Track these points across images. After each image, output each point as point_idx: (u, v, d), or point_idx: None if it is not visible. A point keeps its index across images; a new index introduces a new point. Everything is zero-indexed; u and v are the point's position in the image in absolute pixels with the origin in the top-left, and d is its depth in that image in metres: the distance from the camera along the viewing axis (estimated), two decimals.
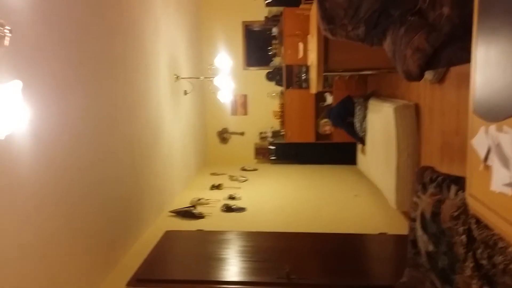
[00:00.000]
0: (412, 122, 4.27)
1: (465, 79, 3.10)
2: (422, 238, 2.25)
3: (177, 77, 5.57)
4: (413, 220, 2.46)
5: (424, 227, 2.21)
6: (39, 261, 2.44)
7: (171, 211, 4.89)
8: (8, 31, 1.11)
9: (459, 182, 2.11)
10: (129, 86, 3.96)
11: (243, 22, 7.47)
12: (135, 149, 4.12)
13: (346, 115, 5.96)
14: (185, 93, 6.01)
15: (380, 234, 4.15)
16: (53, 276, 2.59)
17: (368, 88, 6.77)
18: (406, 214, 4.50)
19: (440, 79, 3.58)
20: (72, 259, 2.84)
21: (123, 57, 3.83)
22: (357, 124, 5.79)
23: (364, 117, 5.71)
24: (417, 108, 4.28)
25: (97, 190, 3.25)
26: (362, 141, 5.78)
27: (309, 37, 4.86)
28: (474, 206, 1.62)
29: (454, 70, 3.34)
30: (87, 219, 3.07)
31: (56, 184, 2.67)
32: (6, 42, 1.13)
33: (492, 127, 1.45)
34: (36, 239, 2.42)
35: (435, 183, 2.24)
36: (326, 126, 6.45)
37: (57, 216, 2.67)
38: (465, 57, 2.09)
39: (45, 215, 2.53)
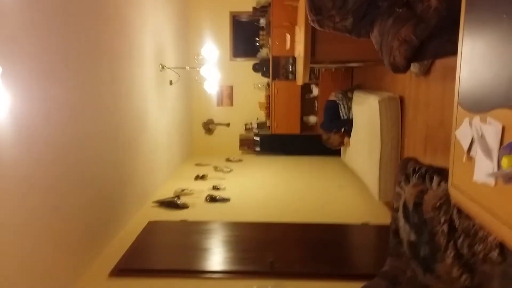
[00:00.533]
0: (397, 114, 4.31)
1: (451, 72, 3.14)
2: (404, 228, 2.29)
3: (163, 67, 5.52)
4: (395, 210, 2.49)
5: (407, 217, 2.25)
6: (20, 252, 2.41)
7: (155, 202, 4.86)
8: None
9: (442, 173, 2.14)
10: (113, 75, 3.91)
11: (231, 12, 7.41)
12: (119, 139, 4.07)
13: (337, 116, 5.97)
14: (171, 83, 5.95)
15: (363, 224, 4.21)
16: (35, 266, 2.55)
17: (354, 80, 6.81)
18: (388, 205, 4.56)
19: (426, 72, 3.62)
20: (54, 249, 2.80)
21: (107, 45, 3.77)
22: (342, 111, 5.85)
23: (349, 109, 5.77)
24: (402, 101, 4.32)
25: (79, 180, 3.20)
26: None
27: (296, 28, 4.84)
28: (457, 197, 1.65)
29: (440, 63, 3.38)
30: (69, 210, 3.03)
31: (37, 174, 2.62)
32: None
33: (476, 119, 1.48)
34: (16, 230, 2.37)
35: (418, 174, 2.28)
36: (336, 136, 5.95)
37: (38, 206, 2.62)
38: (451, 50, 2.11)
39: (26, 205, 2.49)
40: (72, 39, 3.10)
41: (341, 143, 5.97)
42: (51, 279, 2.78)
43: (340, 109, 5.89)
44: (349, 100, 5.76)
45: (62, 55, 2.96)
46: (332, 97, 6.01)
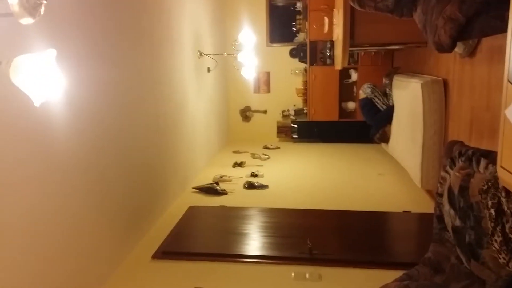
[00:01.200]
0: (440, 98, 4.16)
1: (498, 53, 2.99)
2: (448, 213, 2.22)
3: (201, 54, 5.56)
4: (439, 195, 2.42)
5: (452, 202, 2.17)
6: (66, 232, 2.50)
7: (195, 187, 4.94)
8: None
9: (489, 156, 2.06)
10: (154, 61, 3.98)
11: None
12: (160, 124, 4.16)
13: (375, 111, 5.84)
14: (209, 70, 6.00)
15: (404, 212, 4.12)
16: (79, 248, 2.65)
17: (395, 64, 6.62)
18: (430, 192, 4.44)
19: (471, 53, 3.47)
20: (99, 232, 2.91)
21: (149, 32, 3.84)
22: (378, 104, 5.70)
23: (385, 98, 5.64)
24: (445, 84, 4.17)
25: (125, 165, 3.30)
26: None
27: (335, 11, 4.75)
28: (505, 179, 1.58)
29: (486, 43, 3.23)
30: (114, 193, 3.13)
31: (85, 155, 2.72)
32: (42, 10, 1.13)
33: None
34: (63, 210, 2.47)
35: (464, 157, 2.19)
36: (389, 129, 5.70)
37: (85, 188, 2.73)
38: (499, 26, 2.01)
39: (73, 186, 2.59)
40: (115, 26, 3.18)
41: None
42: (98, 259, 2.89)
43: (375, 103, 5.75)
44: (379, 91, 5.65)
45: (109, 40, 3.06)
46: (362, 95, 5.88)
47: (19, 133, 2.09)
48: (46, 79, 1.18)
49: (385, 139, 5.74)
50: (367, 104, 5.85)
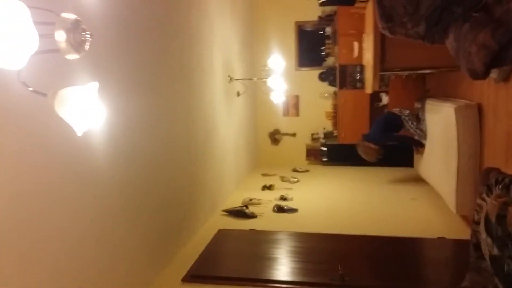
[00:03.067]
0: (475, 122, 4.07)
1: None
2: (486, 242, 2.15)
3: (231, 79, 5.66)
4: (476, 223, 2.35)
5: (489, 230, 2.11)
6: (96, 254, 2.56)
7: (224, 210, 4.97)
8: (89, 36, 1.18)
9: None
10: (186, 88, 4.08)
11: (296, 22, 7.46)
12: (191, 149, 4.23)
13: (392, 129, 5.70)
14: (238, 94, 6.09)
15: (439, 238, 4.00)
16: (109, 269, 2.70)
17: (427, 88, 6.54)
18: (466, 218, 4.31)
19: (506, 78, 3.40)
20: (129, 254, 2.95)
21: (180, 59, 3.95)
22: (412, 129, 5.58)
23: (419, 119, 5.54)
24: (480, 108, 4.08)
25: (155, 187, 3.37)
26: (419, 143, 5.58)
27: (364, 36, 4.78)
28: None
29: None
30: (146, 216, 3.19)
31: (121, 179, 2.80)
32: (87, 46, 1.20)
33: None
34: (95, 231, 2.53)
35: (501, 185, 2.14)
36: (370, 150, 5.68)
37: (118, 211, 2.80)
38: None
39: (106, 208, 2.66)
40: (151, 55, 3.31)
41: (376, 156, 5.69)
42: (128, 282, 2.93)
43: (408, 125, 5.58)
44: (422, 110, 5.51)
45: (144, 70, 3.18)
46: (396, 110, 5.74)
47: (60, 158, 2.19)
48: (89, 110, 1.25)
49: (367, 154, 5.66)
50: (391, 120, 5.70)
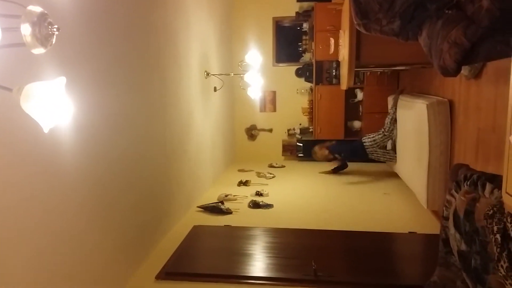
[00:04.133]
0: (446, 119, 4.16)
1: (503, 75, 3.01)
2: (454, 237, 2.21)
3: (208, 74, 5.62)
4: (445, 218, 2.41)
5: (457, 226, 2.16)
6: (70, 252, 2.51)
7: (199, 206, 4.94)
8: (56, 29, 1.14)
9: (495, 180, 2.05)
10: (162, 84, 4.03)
11: (274, 18, 7.45)
12: (167, 145, 4.19)
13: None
14: (215, 89, 6.05)
15: (410, 233, 4.08)
16: (83, 268, 2.65)
17: (400, 84, 6.65)
18: (436, 213, 4.41)
19: (477, 75, 3.48)
20: (102, 252, 2.90)
21: (157, 55, 3.90)
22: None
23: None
24: (451, 105, 4.18)
25: (129, 184, 3.32)
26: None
27: (340, 32, 4.81)
28: (511, 204, 1.57)
29: (492, 65, 3.24)
30: (119, 213, 3.14)
31: (92, 177, 2.74)
32: (53, 40, 1.17)
33: None
34: (68, 231, 2.48)
35: (470, 181, 2.19)
36: (320, 150, 6.46)
37: (90, 209, 2.74)
38: (504, 52, 2.03)
39: (80, 207, 2.61)
40: (125, 50, 3.24)
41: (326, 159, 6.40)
42: (100, 281, 2.88)
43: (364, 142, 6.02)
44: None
45: (117, 65, 3.11)
46: (367, 140, 6.01)
47: (27, 155, 2.13)
48: (56, 106, 1.21)
49: (315, 155, 6.45)
50: (357, 147, 6.10)
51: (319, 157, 6.43)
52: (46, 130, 1.23)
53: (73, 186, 2.52)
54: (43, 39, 1.10)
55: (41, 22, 1.11)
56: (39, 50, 1.13)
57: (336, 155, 6.31)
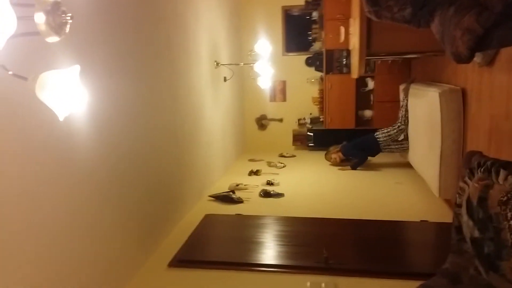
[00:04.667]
0: (459, 107, 4.12)
1: None
2: (467, 224, 2.20)
3: (217, 64, 5.62)
4: (458, 205, 2.40)
5: (470, 213, 2.15)
6: (82, 240, 2.54)
7: (211, 196, 4.97)
8: (69, 18, 1.15)
9: (509, 167, 2.04)
10: (172, 73, 4.04)
11: (283, 6, 7.41)
12: (178, 134, 4.21)
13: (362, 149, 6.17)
14: (225, 79, 6.05)
15: (422, 221, 4.07)
16: (96, 257, 2.69)
17: (412, 73, 6.58)
18: (449, 202, 4.39)
19: (489, 62, 3.43)
20: (115, 240, 2.94)
21: (167, 45, 3.91)
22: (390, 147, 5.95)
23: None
24: (464, 93, 4.13)
25: (141, 173, 3.35)
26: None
27: (351, 20, 4.77)
28: None
29: (505, 52, 3.19)
30: (132, 202, 3.18)
31: (105, 165, 2.78)
32: (67, 28, 1.18)
33: None
34: (80, 218, 2.52)
35: (483, 168, 2.17)
36: (334, 154, 6.35)
37: (106, 198, 2.78)
38: None
39: (95, 196, 2.65)
40: (135, 39, 3.25)
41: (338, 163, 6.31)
42: (114, 268, 2.93)
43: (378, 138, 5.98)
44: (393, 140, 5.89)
45: (129, 55, 3.14)
46: (381, 135, 5.98)
47: (42, 143, 2.16)
48: (70, 94, 1.23)
49: (329, 158, 6.41)
50: (370, 141, 6.08)
51: (334, 163, 6.35)
52: (61, 118, 1.24)
53: (86, 174, 2.55)
54: (57, 27, 1.12)
55: (54, 11, 1.12)
56: (53, 39, 1.14)
57: (351, 158, 6.26)
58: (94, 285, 2.67)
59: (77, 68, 1.24)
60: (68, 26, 1.14)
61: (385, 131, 5.90)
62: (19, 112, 1.96)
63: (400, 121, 5.76)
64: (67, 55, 2.11)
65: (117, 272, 2.97)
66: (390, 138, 5.85)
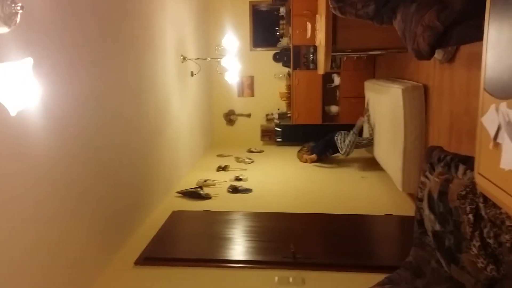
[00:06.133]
0: (421, 103, 4.22)
1: (476, 59, 3.05)
2: (428, 218, 2.25)
3: (184, 58, 5.54)
4: (420, 200, 2.45)
5: (431, 207, 2.21)
6: (44, 239, 2.47)
7: (178, 192, 4.92)
8: (19, 8, 1.10)
9: (468, 161, 2.10)
10: (137, 68, 3.95)
11: (250, 2, 7.38)
12: (144, 130, 4.13)
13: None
14: (192, 74, 5.98)
15: (386, 215, 4.16)
16: (61, 254, 2.62)
17: (376, 69, 6.70)
18: (412, 196, 4.50)
19: (450, 59, 3.53)
20: (79, 239, 2.87)
21: (131, 38, 3.81)
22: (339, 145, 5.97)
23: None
24: (425, 89, 4.23)
25: (105, 170, 3.26)
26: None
27: (317, 16, 4.79)
28: (483, 185, 1.61)
29: (464, 49, 3.29)
30: (96, 199, 3.10)
31: (65, 162, 2.68)
32: (18, 19, 1.12)
33: (503, 105, 1.43)
34: (43, 217, 2.44)
35: (443, 163, 2.23)
36: (305, 155, 6.34)
37: (66, 195, 2.69)
38: (477, 35, 2.05)
39: (54, 193, 2.56)
40: (98, 32, 3.15)
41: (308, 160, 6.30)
42: (78, 267, 2.85)
43: (336, 140, 6.01)
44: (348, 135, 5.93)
45: (89, 48, 3.02)
46: (343, 145, 5.98)
47: None
48: (22, 88, 1.17)
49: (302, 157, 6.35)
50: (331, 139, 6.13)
51: (309, 161, 6.32)
52: (13, 113, 1.18)
53: (44, 171, 2.46)
54: (6, 18, 1.06)
55: (3, 0, 1.07)
56: (2, 30, 1.08)
57: (327, 153, 6.29)
58: (58, 285, 2.58)
59: (29, 60, 1.18)
60: (19, 16, 1.09)
61: (345, 140, 5.90)
62: None
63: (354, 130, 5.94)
64: (18, 47, 2.00)
65: (82, 271, 2.89)
66: (353, 145, 5.88)
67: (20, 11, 1.08)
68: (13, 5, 1.06)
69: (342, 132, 6.01)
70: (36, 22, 2.35)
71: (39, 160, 2.42)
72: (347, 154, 5.92)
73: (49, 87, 2.40)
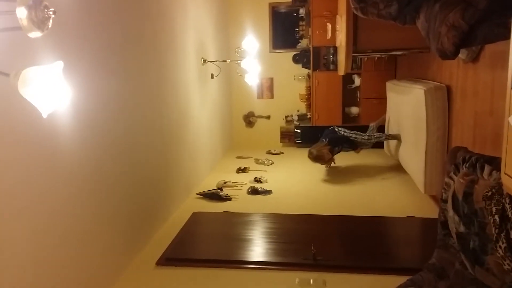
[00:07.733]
0: (443, 104, 4.16)
1: (501, 58, 3.00)
2: (453, 219, 2.22)
3: (205, 61, 5.59)
4: (444, 201, 2.42)
5: (456, 208, 2.18)
6: (67, 238, 2.51)
7: (198, 193, 4.95)
8: (52, 13, 1.13)
9: (493, 162, 2.06)
10: (159, 70, 4.01)
11: (270, 3, 7.39)
12: (165, 132, 4.18)
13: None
14: (212, 76, 6.02)
15: (408, 217, 4.11)
16: (84, 253, 2.67)
17: (398, 69, 6.63)
18: (434, 198, 4.43)
19: (474, 58, 3.47)
20: (102, 239, 2.92)
21: (153, 41, 3.87)
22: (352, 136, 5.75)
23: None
24: (448, 89, 4.17)
25: (127, 171, 3.32)
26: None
27: (337, 17, 4.78)
28: (509, 185, 1.58)
29: (489, 49, 3.23)
30: (119, 200, 3.15)
31: (90, 163, 2.74)
32: (50, 23, 1.15)
33: None
34: (64, 216, 2.49)
35: (468, 164, 2.20)
36: (324, 150, 5.66)
37: (91, 196, 2.75)
38: (502, 34, 2.02)
39: (77, 193, 2.61)
40: (120, 36, 3.22)
41: (329, 160, 5.72)
42: (102, 266, 2.90)
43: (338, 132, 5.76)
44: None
45: (115, 51, 3.10)
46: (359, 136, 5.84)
47: (25, 140, 2.12)
48: (54, 91, 1.20)
49: (320, 157, 5.62)
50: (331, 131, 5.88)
51: (325, 159, 5.73)
52: (44, 115, 1.22)
53: (70, 172, 2.52)
54: (39, 22, 1.09)
55: (37, 5, 1.10)
56: (35, 34, 1.12)
57: (337, 148, 5.82)
58: (81, 285, 2.63)
59: (60, 64, 1.22)
60: (51, 21, 1.12)
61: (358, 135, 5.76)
62: (1, 109, 1.92)
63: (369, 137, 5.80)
64: (50, 51, 2.06)
65: (104, 271, 2.94)
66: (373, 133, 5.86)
67: (53, 16, 1.11)
68: (46, 10, 1.10)
69: (336, 127, 5.85)
70: (66, 27, 2.44)
71: (68, 159, 2.49)
72: (370, 141, 5.79)
73: (78, 90, 2.47)
